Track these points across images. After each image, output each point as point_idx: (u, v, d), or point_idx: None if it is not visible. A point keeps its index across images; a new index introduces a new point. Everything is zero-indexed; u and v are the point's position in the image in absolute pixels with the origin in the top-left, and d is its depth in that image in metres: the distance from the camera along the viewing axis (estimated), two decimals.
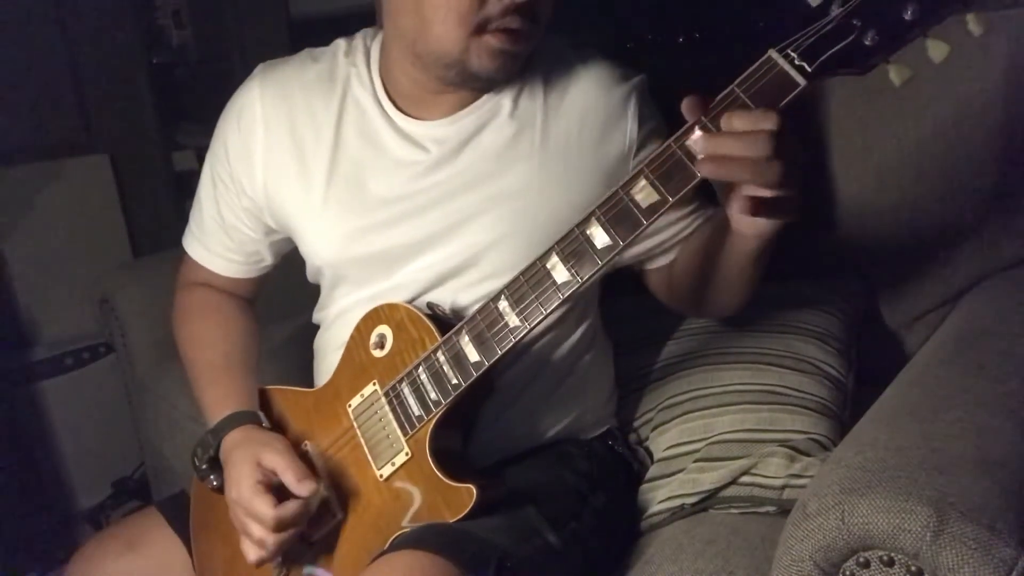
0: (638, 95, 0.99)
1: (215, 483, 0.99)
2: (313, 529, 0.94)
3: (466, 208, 0.95)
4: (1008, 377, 0.88)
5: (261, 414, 1.00)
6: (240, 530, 0.92)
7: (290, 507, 0.89)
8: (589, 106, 0.97)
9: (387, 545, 0.88)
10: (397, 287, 0.98)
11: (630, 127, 0.98)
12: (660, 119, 1.02)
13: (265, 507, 0.88)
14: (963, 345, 1.00)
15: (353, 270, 1.00)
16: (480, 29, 0.86)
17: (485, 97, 0.97)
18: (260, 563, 0.92)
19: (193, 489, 1.09)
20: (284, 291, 1.15)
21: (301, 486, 0.89)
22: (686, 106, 0.75)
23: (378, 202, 0.96)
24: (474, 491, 0.85)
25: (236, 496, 0.91)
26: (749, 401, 1.09)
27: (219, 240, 1.09)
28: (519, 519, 0.91)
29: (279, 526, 0.88)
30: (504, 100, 0.96)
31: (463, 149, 0.96)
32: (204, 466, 0.99)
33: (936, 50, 0.69)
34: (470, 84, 0.93)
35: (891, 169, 1.22)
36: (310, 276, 1.08)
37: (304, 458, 0.95)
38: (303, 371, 1.13)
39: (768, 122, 0.71)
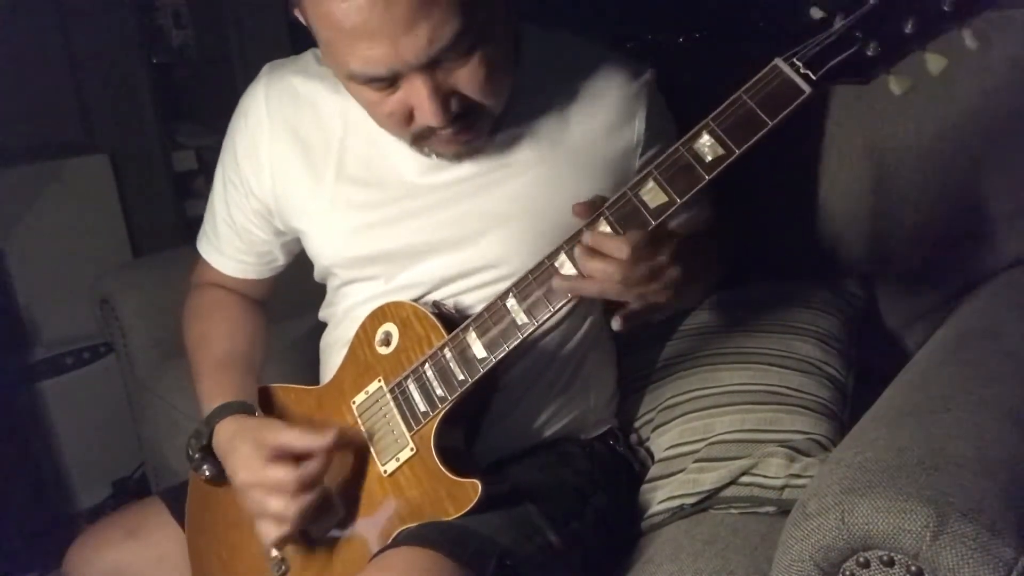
0: (647, 93, 0.98)
1: (207, 473, 0.97)
2: (315, 526, 0.94)
3: (475, 218, 0.94)
4: (1008, 377, 0.88)
5: (255, 405, 0.99)
6: (256, 512, 0.90)
7: (311, 465, 0.88)
8: (598, 105, 0.96)
9: (389, 541, 0.88)
10: (404, 287, 0.98)
11: (638, 126, 0.97)
12: (668, 117, 1.02)
13: (283, 472, 0.87)
14: (963, 345, 1.00)
15: (360, 270, 1.00)
16: (426, 134, 0.86)
17: None
18: (281, 543, 0.90)
19: (189, 491, 1.08)
20: (293, 290, 1.15)
21: (322, 437, 0.88)
22: (576, 210, 0.83)
23: (385, 200, 0.96)
24: (479, 485, 0.85)
25: (247, 477, 0.89)
26: (749, 401, 1.09)
27: (231, 243, 1.08)
28: (520, 518, 0.91)
29: (302, 486, 0.87)
30: (514, 102, 0.94)
31: (471, 150, 0.94)
32: (197, 455, 0.98)
33: (935, 63, 0.72)
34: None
35: (891, 169, 1.22)
36: (317, 276, 1.08)
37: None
38: (311, 370, 1.13)
39: (622, 251, 0.78)
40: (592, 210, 0.82)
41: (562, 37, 1.01)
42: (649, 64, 1.01)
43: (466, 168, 0.94)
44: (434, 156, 0.92)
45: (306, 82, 0.99)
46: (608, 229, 0.80)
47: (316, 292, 1.12)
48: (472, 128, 0.87)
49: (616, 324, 0.84)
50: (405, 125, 0.84)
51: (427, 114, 0.80)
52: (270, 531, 0.89)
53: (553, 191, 0.94)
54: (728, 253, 1.10)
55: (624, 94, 0.97)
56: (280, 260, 1.11)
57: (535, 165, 0.94)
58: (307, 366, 1.16)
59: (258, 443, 0.90)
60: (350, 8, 0.74)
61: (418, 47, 0.75)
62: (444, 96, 0.80)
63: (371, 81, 0.80)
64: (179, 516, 1.08)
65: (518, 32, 0.96)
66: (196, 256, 1.14)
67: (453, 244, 0.96)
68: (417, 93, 0.79)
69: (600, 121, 0.96)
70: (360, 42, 0.76)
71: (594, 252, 0.80)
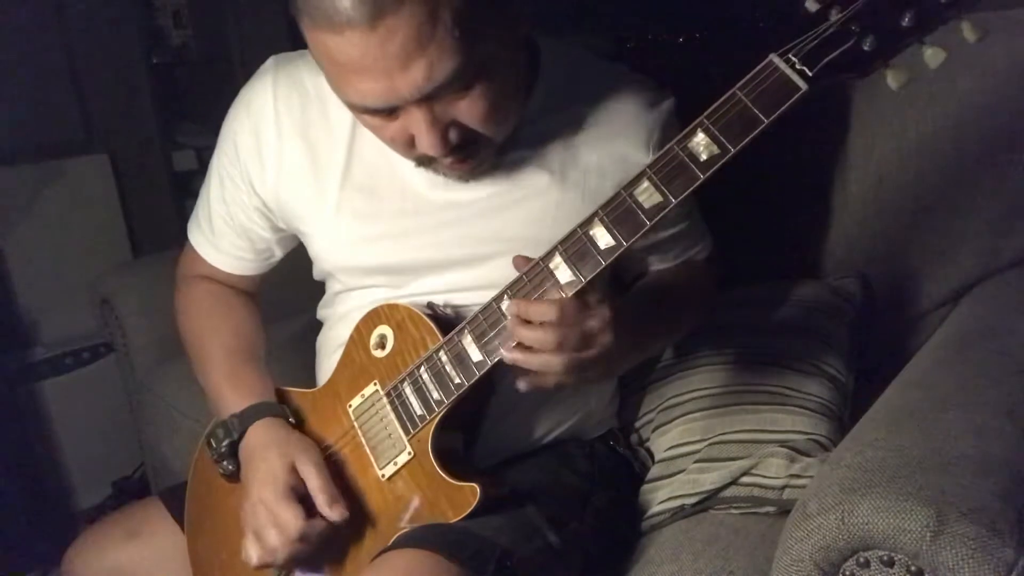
0: (663, 122, 0.95)
1: (230, 468, 0.97)
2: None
3: (483, 241, 0.93)
4: (1008, 377, 0.88)
5: (288, 410, 0.99)
6: (253, 530, 0.90)
7: (318, 525, 0.88)
8: (612, 131, 0.94)
9: (388, 544, 0.87)
10: (405, 296, 0.97)
11: (650, 157, 0.91)
12: None
13: (293, 516, 0.87)
14: (963, 345, 1.00)
15: (362, 278, 1.00)
16: (428, 159, 0.85)
17: None
18: (260, 567, 0.90)
19: (188, 492, 1.08)
20: (287, 289, 1.14)
21: (333, 510, 0.88)
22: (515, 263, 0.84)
23: (391, 213, 0.95)
24: (478, 490, 0.85)
25: (262, 496, 0.89)
26: (749, 402, 1.09)
27: (230, 240, 1.06)
28: (520, 519, 0.91)
29: (301, 539, 0.87)
30: (528, 123, 0.92)
31: (479, 173, 0.92)
32: (224, 449, 0.96)
33: (933, 56, 0.71)
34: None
35: (891, 169, 1.22)
36: (317, 275, 1.07)
37: None
38: (306, 370, 1.12)
39: (550, 314, 0.78)
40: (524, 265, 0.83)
41: (582, 56, 0.99)
42: (647, 66, 1.00)
43: (476, 188, 0.93)
44: (443, 175, 0.91)
45: (316, 79, 0.95)
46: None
47: (311, 291, 1.11)
48: (473, 157, 0.86)
49: (522, 385, 0.83)
50: (408, 149, 0.84)
51: (425, 145, 0.80)
52: (253, 555, 0.89)
53: (562, 216, 0.92)
54: (709, 301, 1.10)
55: (639, 122, 0.94)
56: (277, 255, 1.09)
57: (545, 190, 0.93)
58: (303, 365, 1.16)
59: (288, 466, 0.90)
60: (345, 43, 0.72)
61: (414, 83, 0.74)
62: (443, 127, 0.79)
63: (369, 112, 0.80)
64: (179, 516, 1.07)
65: (535, 50, 0.94)
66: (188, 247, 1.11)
67: (458, 263, 0.95)
68: (416, 124, 0.78)
69: (612, 148, 0.94)
70: (356, 76, 0.75)
71: (525, 321, 0.80)
